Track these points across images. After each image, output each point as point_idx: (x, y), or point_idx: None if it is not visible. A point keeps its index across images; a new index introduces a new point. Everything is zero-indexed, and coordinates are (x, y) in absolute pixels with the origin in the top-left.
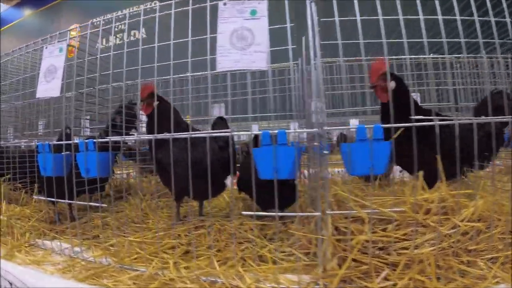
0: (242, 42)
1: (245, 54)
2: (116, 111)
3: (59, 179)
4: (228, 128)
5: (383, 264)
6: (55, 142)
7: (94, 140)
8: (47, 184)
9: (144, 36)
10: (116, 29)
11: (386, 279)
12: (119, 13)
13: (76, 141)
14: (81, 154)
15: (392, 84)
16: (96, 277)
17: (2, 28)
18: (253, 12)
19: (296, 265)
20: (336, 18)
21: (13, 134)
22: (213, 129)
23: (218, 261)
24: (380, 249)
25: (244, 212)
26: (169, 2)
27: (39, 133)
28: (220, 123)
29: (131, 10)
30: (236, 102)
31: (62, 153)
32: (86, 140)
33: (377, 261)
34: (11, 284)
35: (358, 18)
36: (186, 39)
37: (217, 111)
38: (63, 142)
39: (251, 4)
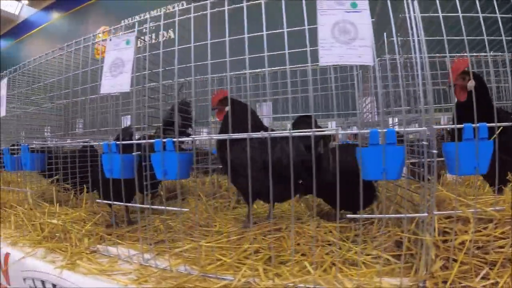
0: (345, 35)
1: (350, 49)
2: (171, 109)
3: (117, 180)
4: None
5: (482, 264)
6: (124, 142)
7: (173, 140)
8: (103, 186)
9: (173, 36)
10: (145, 30)
11: (484, 278)
12: (151, 13)
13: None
14: (157, 154)
15: (471, 84)
16: (180, 286)
17: (31, 32)
18: (354, 5)
19: (392, 267)
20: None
21: (50, 135)
22: (295, 128)
23: (305, 267)
24: (478, 248)
25: (349, 216)
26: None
27: (79, 133)
28: (304, 121)
29: (166, 10)
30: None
31: (133, 154)
32: (164, 140)
33: (476, 260)
34: None
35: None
36: (242, 36)
37: (265, 109)
38: (134, 142)
39: None
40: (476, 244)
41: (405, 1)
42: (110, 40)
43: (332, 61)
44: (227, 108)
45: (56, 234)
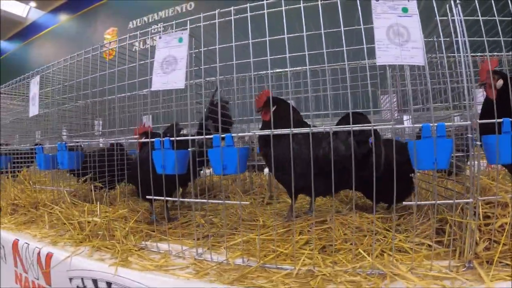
0: (399, 38)
1: (404, 50)
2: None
3: (158, 176)
4: (368, 123)
5: None
6: (179, 137)
7: (233, 134)
8: (142, 183)
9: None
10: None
11: None
12: (159, 14)
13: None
14: (216, 149)
15: (500, 83)
16: (244, 278)
17: (39, 34)
18: (405, 10)
19: (437, 252)
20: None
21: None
22: (341, 124)
23: (357, 255)
24: None
25: (405, 203)
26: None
27: (97, 133)
28: (357, 117)
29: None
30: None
31: (188, 150)
32: (224, 135)
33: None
34: None
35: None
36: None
37: None
38: (189, 137)
39: (401, 2)
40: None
41: (448, 5)
42: (160, 38)
43: (388, 61)
44: (273, 109)
45: (99, 232)
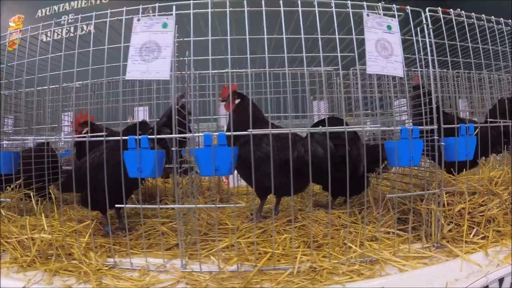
0: (385, 51)
1: (389, 62)
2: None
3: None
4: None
5: (472, 224)
6: (161, 136)
7: (227, 133)
8: (94, 190)
9: (94, 31)
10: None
11: (475, 235)
12: (71, 4)
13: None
14: (208, 149)
15: None
16: (250, 285)
17: None
18: (389, 27)
19: (405, 238)
20: None
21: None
22: (316, 126)
23: (341, 247)
24: (468, 213)
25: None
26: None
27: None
28: (334, 121)
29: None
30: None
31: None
32: (215, 133)
33: (469, 222)
34: None
35: None
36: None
37: None
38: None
39: (387, 20)
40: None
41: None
42: (139, 20)
43: (377, 71)
44: (237, 101)
45: (49, 252)
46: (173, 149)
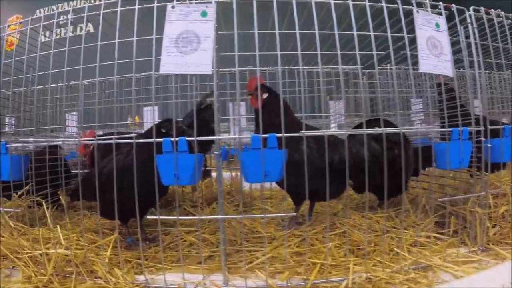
0: (435, 50)
1: (440, 61)
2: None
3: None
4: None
5: None
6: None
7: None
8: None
9: (92, 31)
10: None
11: None
12: (70, 4)
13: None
14: (256, 152)
15: None
16: None
17: None
18: (437, 25)
19: (450, 242)
20: None
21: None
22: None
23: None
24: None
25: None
26: None
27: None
28: (382, 122)
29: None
30: None
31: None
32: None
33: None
34: None
35: None
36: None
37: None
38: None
39: (434, 18)
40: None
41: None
42: (173, 7)
43: (429, 70)
44: (265, 96)
45: (68, 269)
46: (216, 152)
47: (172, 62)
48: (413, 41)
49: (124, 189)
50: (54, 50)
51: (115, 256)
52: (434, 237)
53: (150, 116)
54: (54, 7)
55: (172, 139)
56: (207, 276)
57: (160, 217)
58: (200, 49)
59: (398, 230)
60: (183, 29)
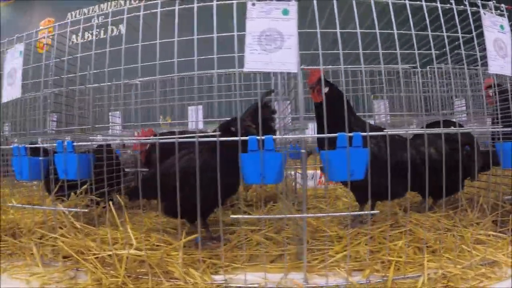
0: (501, 51)
1: (506, 62)
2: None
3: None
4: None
5: None
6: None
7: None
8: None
9: (123, 32)
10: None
11: None
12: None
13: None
14: (342, 151)
15: None
16: None
17: None
18: (502, 27)
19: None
20: None
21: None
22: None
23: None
24: None
25: None
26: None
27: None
28: (449, 124)
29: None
30: None
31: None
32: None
33: None
34: None
35: None
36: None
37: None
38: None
39: (499, 20)
40: None
41: None
42: (254, 5)
43: (497, 71)
44: (326, 90)
45: (141, 270)
46: (302, 151)
47: (256, 60)
48: (468, 41)
49: (197, 188)
50: (102, 50)
51: (186, 256)
52: (493, 235)
53: (195, 115)
54: (85, 9)
55: (259, 137)
56: (286, 274)
57: (244, 216)
58: (284, 47)
59: (458, 229)
60: (266, 27)
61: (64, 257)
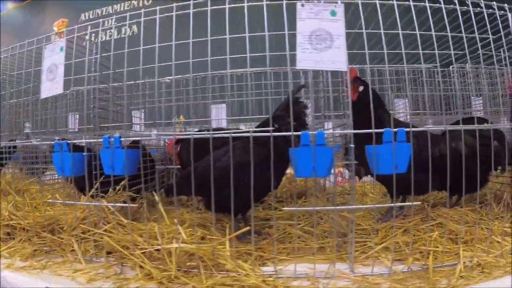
0: None
1: None
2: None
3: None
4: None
5: None
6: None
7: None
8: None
9: (136, 33)
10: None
11: None
12: (114, 7)
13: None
14: (389, 146)
15: None
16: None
17: None
18: None
19: None
20: None
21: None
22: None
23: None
24: None
25: None
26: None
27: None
28: (479, 121)
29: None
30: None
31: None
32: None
33: None
34: None
35: None
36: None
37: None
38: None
39: None
40: None
41: None
42: (303, 6)
43: None
44: (361, 88)
45: (191, 263)
46: (351, 145)
47: (308, 59)
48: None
49: (241, 183)
50: (136, 48)
51: (232, 249)
52: None
53: (219, 114)
54: (98, 10)
55: (310, 132)
56: (333, 264)
57: (297, 208)
58: (334, 47)
59: (485, 221)
60: (316, 27)
61: (108, 253)
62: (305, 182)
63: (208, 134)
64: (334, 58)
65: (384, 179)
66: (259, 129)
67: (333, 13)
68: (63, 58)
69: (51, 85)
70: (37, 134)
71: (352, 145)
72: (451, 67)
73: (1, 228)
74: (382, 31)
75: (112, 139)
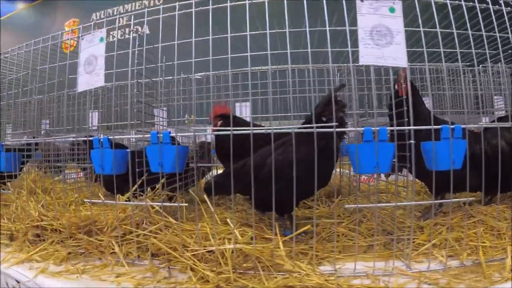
0: None
1: None
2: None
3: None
4: None
5: None
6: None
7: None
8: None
9: (148, 32)
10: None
11: None
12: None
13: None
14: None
15: None
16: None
17: None
18: None
19: None
20: None
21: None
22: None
23: None
24: None
25: None
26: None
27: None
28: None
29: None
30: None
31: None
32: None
33: None
34: None
35: None
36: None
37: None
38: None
39: None
40: None
41: None
42: (362, 1)
43: None
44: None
45: (247, 265)
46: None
47: (370, 54)
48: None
49: (287, 181)
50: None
51: (285, 249)
52: None
53: (244, 112)
54: (109, 10)
55: (374, 128)
56: (389, 262)
57: (359, 205)
58: (394, 43)
59: None
60: (376, 23)
61: (152, 255)
62: (340, 181)
63: (249, 129)
64: (395, 54)
65: (426, 177)
66: (304, 126)
67: (392, 10)
68: (103, 49)
69: (90, 78)
70: (58, 132)
71: (412, 141)
72: (480, 66)
73: (30, 230)
74: (438, 30)
75: (161, 135)
